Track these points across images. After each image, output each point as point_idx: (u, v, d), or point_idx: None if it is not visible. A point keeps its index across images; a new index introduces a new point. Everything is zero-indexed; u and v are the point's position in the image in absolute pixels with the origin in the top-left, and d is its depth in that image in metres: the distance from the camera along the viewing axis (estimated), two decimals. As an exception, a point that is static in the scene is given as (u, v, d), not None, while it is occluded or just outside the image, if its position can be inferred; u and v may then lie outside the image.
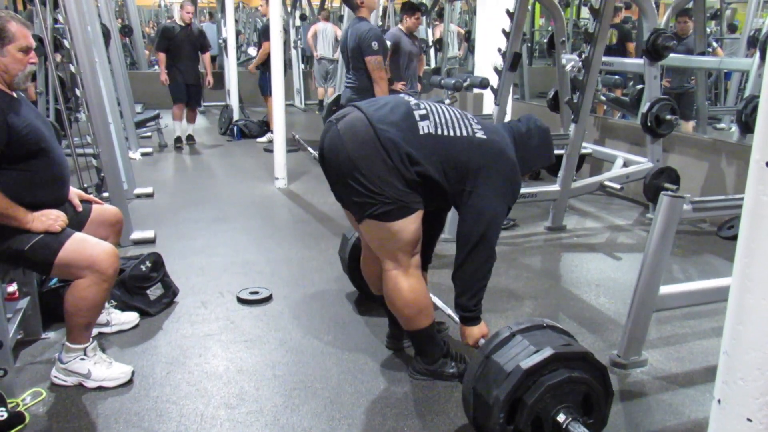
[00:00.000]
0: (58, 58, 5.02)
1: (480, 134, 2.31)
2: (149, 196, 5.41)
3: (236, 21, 12.34)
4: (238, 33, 11.93)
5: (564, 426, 1.93)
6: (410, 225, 2.28)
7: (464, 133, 2.29)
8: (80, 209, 2.70)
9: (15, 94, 2.45)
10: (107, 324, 2.93)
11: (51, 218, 2.43)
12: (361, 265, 2.78)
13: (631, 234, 4.60)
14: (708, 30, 7.59)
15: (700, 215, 2.87)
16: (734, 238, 4.27)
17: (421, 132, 2.24)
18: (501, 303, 3.32)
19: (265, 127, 8.22)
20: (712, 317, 3.14)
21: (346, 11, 9.33)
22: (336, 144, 2.26)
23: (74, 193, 2.73)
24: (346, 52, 4.76)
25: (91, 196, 2.86)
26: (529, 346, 2.00)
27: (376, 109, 2.30)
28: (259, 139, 8.13)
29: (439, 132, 2.27)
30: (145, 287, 3.20)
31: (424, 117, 2.29)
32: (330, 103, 5.42)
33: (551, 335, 2.09)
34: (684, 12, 6.22)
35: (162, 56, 7.30)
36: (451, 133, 2.28)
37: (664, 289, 2.61)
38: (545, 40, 7.59)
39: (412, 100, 2.37)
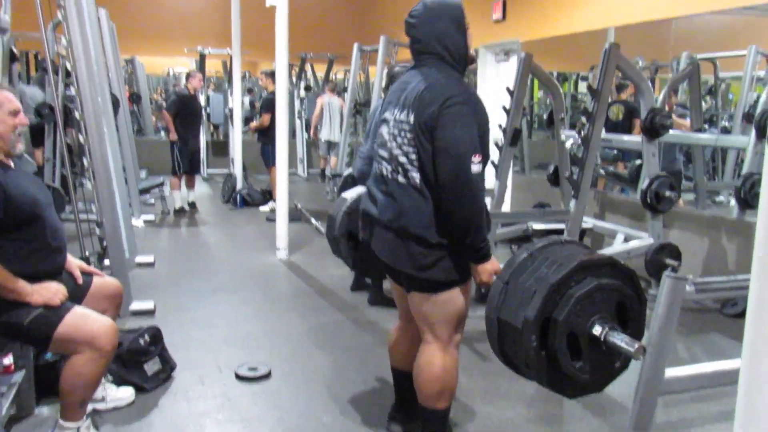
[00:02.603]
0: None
1: (411, 115, 2.23)
2: (150, 264, 5.40)
3: (251, 90, 12.64)
4: (252, 103, 12.14)
5: (602, 338, 1.78)
6: (457, 298, 2.29)
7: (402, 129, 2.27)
8: (80, 282, 2.70)
9: (11, 163, 2.50)
10: (102, 400, 2.87)
11: (51, 292, 2.42)
12: (392, 335, 2.72)
13: (633, 310, 4.56)
14: (705, 105, 7.75)
15: (704, 296, 2.85)
16: (739, 315, 4.25)
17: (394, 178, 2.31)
18: (504, 383, 3.25)
19: (268, 195, 8.29)
20: (719, 400, 3.08)
21: (350, 84, 9.57)
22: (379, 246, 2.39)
23: (75, 264, 2.73)
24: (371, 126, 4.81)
25: (92, 268, 2.85)
26: (550, 261, 1.87)
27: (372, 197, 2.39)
28: (261, 208, 8.18)
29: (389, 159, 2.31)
30: (142, 361, 3.14)
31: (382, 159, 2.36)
32: (347, 176, 5.49)
33: (571, 248, 1.97)
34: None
35: (170, 119, 7.42)
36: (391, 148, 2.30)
37: (670, 372, 2.56)
38: (544, 115, 7.74)
39: (384, 167, 2.37)
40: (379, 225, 2.35)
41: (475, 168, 2.13)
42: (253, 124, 8.03)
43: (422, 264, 2.23)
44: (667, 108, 5.36)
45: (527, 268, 1.93)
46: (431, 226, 2.21)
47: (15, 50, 6.30)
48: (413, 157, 2.23)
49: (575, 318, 1.79)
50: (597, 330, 1.80)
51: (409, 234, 2.23)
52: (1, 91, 2.48)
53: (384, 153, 2.36)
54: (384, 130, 2.37)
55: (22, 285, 2.37)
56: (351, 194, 2.90)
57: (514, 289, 1.90)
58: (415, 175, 2.23)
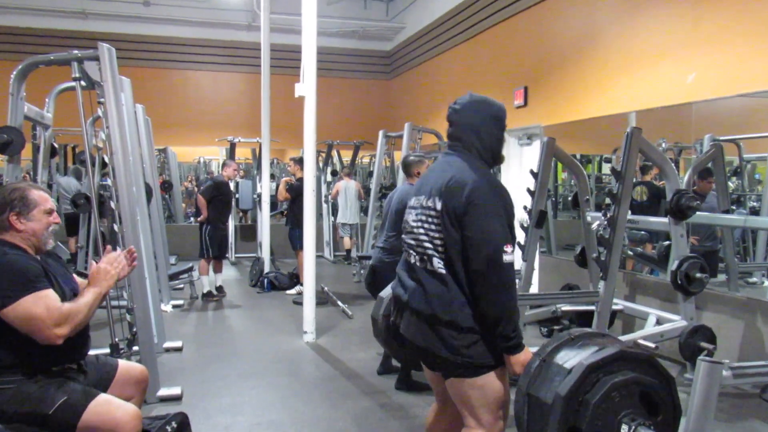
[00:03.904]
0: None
1: (438, 202, 2.29)
2: (178, 350, 5.41)
3: (273, 176, 12.92)
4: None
5: None
6: (494, 382, 2.27)
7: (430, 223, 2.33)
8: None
9: (39, 258, 2.59)
10: (128, 490, 2.83)
11: (112, 268, 2.64)
12: (428, 417, 2.71)
13: (670, 395, 4.41)
14: (731, 185, 7.73)
15: (741, 381, 2.77)
16: (780, 402, 4.08)
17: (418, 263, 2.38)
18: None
19: (295, 279, 8.34)
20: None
21: (375, 168, 9.78)
22: (413, 336, 2.40)
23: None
24: (388, 214, 4.83)
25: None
26: (561, 368, 1.90)
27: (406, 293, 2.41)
28: (288, 292, 8.21)
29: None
30: (168, 450, 3.11)
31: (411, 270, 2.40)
32: (371, 266, 5.52)
33: (579, 345, 1.99)
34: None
35: (204, 203, 7.56)
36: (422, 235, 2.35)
37: (711, 463, 2.47)
38: (569, 196, 7.77)
39: (412, 259, 2.43)
40: (409, 309, 2.38)
41: (508, 258, 2.17)
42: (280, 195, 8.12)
43: (454, 346, 2.23)
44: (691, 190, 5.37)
45: (541, 377, 1.98)
46: (461, 311, 2.23)
47: (55, 145, 6.60)
48: (438, 242, 2.28)
49: (599, 424, 1.79)
50: (624, 430, 1.81)
51: (439, 320, 2.25)
52: (38, 191, 2.63)
53: (410, 240, 2.41)
54: (410, 217, 2.43)
55: (88, 296, 2.51)
56: (387, 293, 2.94)
57: (533, 402, 1.95)
58: (439, 264, 2.28)
